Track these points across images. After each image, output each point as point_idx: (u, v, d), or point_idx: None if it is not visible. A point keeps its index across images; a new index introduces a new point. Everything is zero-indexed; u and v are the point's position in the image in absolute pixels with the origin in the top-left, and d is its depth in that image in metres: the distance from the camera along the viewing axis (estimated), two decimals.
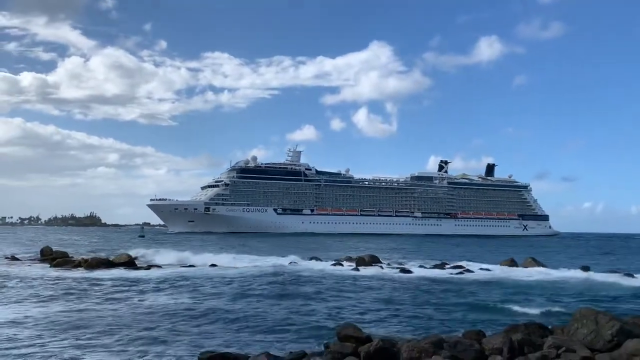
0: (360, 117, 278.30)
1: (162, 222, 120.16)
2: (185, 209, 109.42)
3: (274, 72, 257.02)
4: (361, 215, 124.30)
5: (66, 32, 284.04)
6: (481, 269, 27.46)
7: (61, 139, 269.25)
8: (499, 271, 26.49)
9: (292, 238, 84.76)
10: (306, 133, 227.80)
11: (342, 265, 27.84)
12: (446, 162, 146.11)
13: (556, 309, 15.81)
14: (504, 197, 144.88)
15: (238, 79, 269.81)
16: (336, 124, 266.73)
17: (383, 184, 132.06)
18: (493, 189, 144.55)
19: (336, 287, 20.33)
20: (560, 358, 9.33)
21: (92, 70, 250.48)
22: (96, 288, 19.89)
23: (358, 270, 25.93)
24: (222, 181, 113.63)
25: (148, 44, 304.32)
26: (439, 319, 14.40)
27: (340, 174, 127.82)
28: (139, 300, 17.55)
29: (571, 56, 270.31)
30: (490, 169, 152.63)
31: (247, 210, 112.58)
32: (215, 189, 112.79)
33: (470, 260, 33.18)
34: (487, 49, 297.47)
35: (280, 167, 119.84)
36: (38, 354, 10.75)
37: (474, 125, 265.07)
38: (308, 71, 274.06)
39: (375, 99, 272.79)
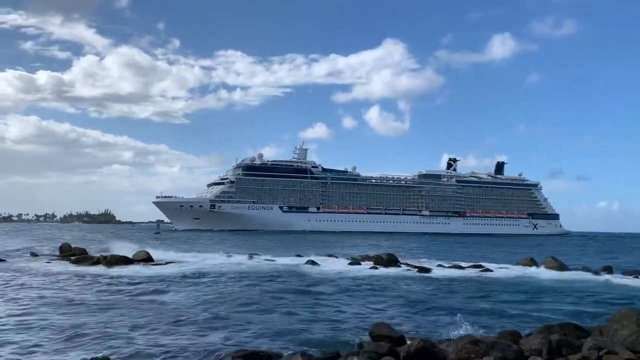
0: (373, 115, 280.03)
1: None
2: (190, 206, 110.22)
3: (286, 70, 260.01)
4: (368, 213, 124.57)
5: (81, 31, 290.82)
6: (501, 268, 27.64)
7: (76, 136, 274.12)
8: (519, 271, 26.65)
9: (300, 236, 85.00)
10: (318, 131, 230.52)
11: (359, 264, 28.07)
12: (455, 160, 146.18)
13: (584, 309, 15.94)
14: (513, 196, 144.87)
15: (251, 77, 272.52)
16: (348, 122, 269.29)
17: (390, 181, 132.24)
18: (502, 187, 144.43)
19: (358, 287, 20.51)
20: None
21: (107, 68, 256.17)
22: (118, 286, 20.14)
23: (377, 269, 26.14)
24: (227, 179, 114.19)
25: (162, 43, 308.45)
26: (467, 320, 14.53)
27: (347, 172, 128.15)
28: (162, 296, 17.80)
29: (585, 54, 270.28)
30: (499, 167, 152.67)
31: (253, 207, 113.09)
32: (220, 187, 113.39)
33: (484, 260, 33.34)
34: (500, 46, 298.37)
35: (286, 165, 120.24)
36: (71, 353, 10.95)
37: (487, 124, 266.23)
38: (321, 69, 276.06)
39: (388, 97, 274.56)
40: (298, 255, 33.17)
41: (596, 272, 25.74)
